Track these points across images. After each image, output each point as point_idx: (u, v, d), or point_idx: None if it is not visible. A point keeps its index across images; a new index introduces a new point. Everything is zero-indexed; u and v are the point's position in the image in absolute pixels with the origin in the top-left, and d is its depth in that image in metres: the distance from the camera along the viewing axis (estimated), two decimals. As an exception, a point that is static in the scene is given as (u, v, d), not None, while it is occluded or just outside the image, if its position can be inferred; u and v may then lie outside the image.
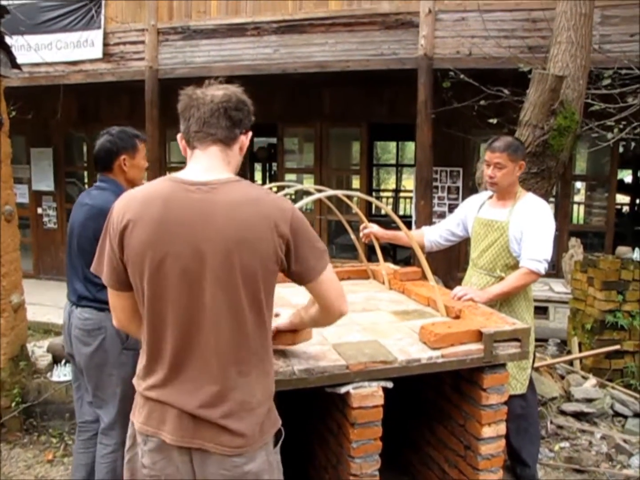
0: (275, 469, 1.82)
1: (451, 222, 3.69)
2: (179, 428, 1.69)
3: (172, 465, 1.74)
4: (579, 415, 4.54)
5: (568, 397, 4.75)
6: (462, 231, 3.65)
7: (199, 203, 1.66)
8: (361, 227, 3.59)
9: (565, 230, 8.02)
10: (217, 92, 1.77)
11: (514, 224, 3.27)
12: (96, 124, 9.87)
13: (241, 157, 1.86)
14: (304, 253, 1.75)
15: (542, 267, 3.18)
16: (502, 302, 3.30)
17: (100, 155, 2.95)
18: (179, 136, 1.83)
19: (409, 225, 7.37)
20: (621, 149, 8.11)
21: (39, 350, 4.83)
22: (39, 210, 10.30)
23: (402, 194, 16.90)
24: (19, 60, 4.60)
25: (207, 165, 1.74)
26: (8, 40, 4.40)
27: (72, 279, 3.01)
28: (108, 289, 1.85)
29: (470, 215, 3.57)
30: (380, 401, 2.30)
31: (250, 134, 1.85)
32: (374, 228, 3.58)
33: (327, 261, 1.82)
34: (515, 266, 3.29)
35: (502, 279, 3.29)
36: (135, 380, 1.84)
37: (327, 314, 1.92)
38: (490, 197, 3.50)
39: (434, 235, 3.70)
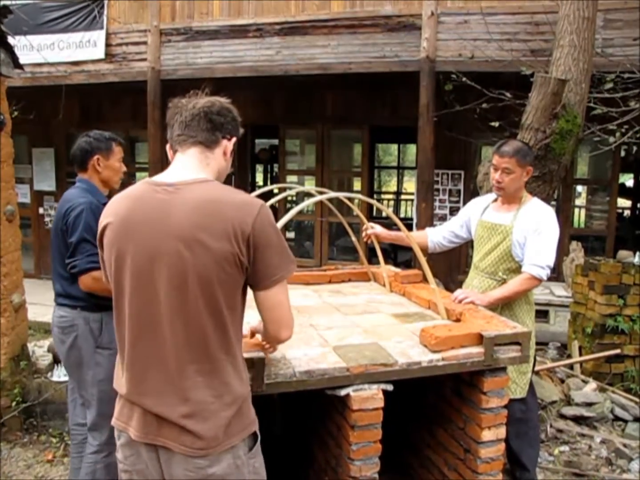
0: (246, 473, 1.79)
1: (455, 224, 3.68)
2: (143, 425, 1.73)
3: (141, 461, 1.77)
4: (578, 419, 4.53)
5: (568, 400, 4.75)
6: (465, 233, 3.65)
7: (160, 203, 1.69)
8: (363, 227, 3.59)
9: (566, 233, 8.02)
10: (201, 99, 1.84)
11: (517, 229, 3.27)
12: (98, 124, 9.85)
13: (226, 162, 1.88)
14: (266, 259, 1.71)
15: (544, 273, 3.18)
16: (504, 305, 3.30)
17: (76, 154, 3.07)
18: (167, 146, 1.89)
19: (410, 228, 7.37)
20: (623, 153, 8.10)
21: (40, 350, 4.83)
22: (41, 210, 10.30)
23: (403, 197, 16.91)
24: (22, 61, 4.60)
25: (182, 166, 1.78)
26: (10, 40, 4.40)
27: (52, 278, 3.12)
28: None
29: (474, 217, 3.56)
30: (381, 404, 2.30)
31: (234, 140, 1.87)
32: (377, 229, 3.58)
33: (282, 277, 1.76)
34: (517, 270, 3.28)
35: (504, 282, 3.29)
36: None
37: (266, 333, 1.90)
38: (495, 200, 3.49)
39: (437, 236, 3.70)
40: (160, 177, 1.79)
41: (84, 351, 2.95)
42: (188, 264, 1.64)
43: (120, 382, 1.82)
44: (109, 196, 3.01)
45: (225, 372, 1.73)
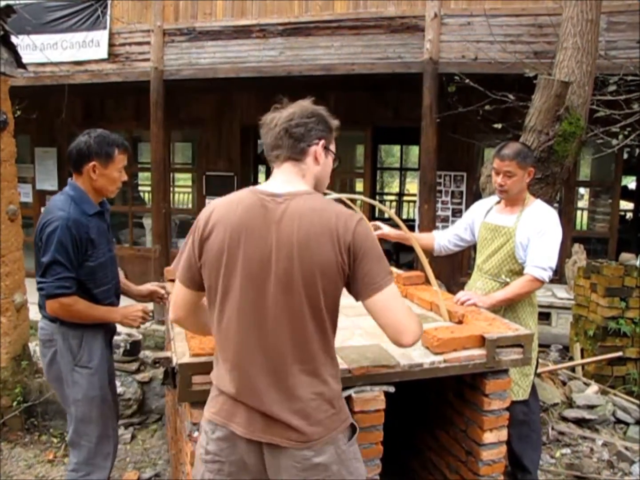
0: (347, 459, 1.89)
1: (459, 228, 3.68)
2: (249, 423, 1.82)
3: (237, 453, 1.85)
4: (580, 422, 4.53)
5: (570, 403, 4.74)
6: (469, 236, 3.65)
7: (270, 213, 1.80)
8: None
9: (568, 236, 8.01)
10: (283, 113, 1.90)
11: (521, 230, 3.27)
12: (101, 124, 9.83)
13: (320, 165, 1.94)
14: (366, 267, 1.80)
15: (547, 275, 3.18)
16: (507, 307, 3.29)
17: (72, 154, 2.79)
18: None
19: (412, 229, 7.36)
20: (626, 156, 8.11)
21: (41, 349, 4.83)
22: (43, 210, 10.29)
23: (405, 198, 16.91)
24: (25, 60, 4.61)
25: (283, 179, 1.89)
26: (14, 39, 4.41)
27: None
28: (177, 284, 1.99)
29: (478, 219, 3.56)
30: (382, 405, 2.30)
31: (323, 142, 1.93)
32: (385, 229, 3.57)
33: (390, 280, 1.83)
34: (520, 272, 3.28)
35: (507, 284, 3.29)
36: (212, 372, 1.96)
37: (391, 340, 1.92)
38: (498, 202, 3.49)
39: (443, 239, 3.70)
40: (265, 188, 1.87)
41: (63, 369, 2.85)
42: (296, 270, 1.75)
43: (222, 381, 1.87)
44: (102, 204, 2.92)
45: (324, 371, 1.85)
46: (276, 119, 1.90)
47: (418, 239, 3.40)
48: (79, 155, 2.76)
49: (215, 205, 1.89)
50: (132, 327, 2.95)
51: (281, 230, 1.77)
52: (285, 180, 1.88)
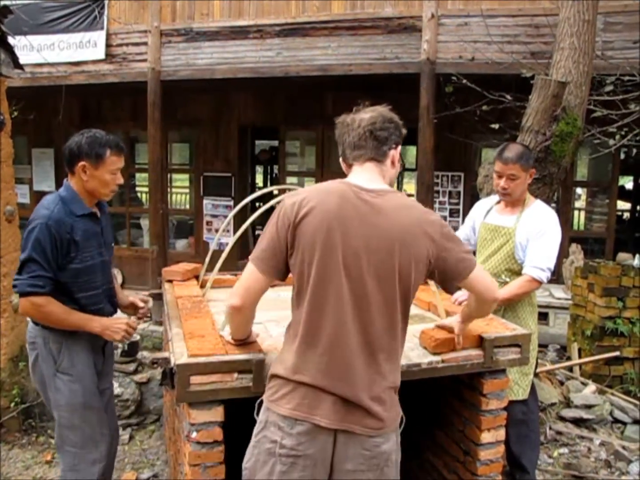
0: (399, 447, 2.03)
1: (466, 231, 3.66)
2: (333, 412, 1.86)
3: (314, 446, 1.88)
4: (578, 422, 4.53)
5: (567, 403, 4.74)
6: (474, 239, 3.65)
7: (367, 205, 1.89)
8: None
9: (565, 236, 8.00)
10: (364, 115, 2.00)
11: (521, 231, 3.27)
12: (98, 125, 9.82)
13: (395, 170, 2.06)
14: (456, 258, 1.97)
15: (545, 276, 3.18)
16: (507, 307, 3.30)
17: (65, 154, 2.73)
18: (340, 159, 2.10)
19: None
20: (622, 156, 8.11)
21: (39, 350, 4.82)
22: (37, 210, 10.28)
23: (403, 198, 16.88)
24: (22, 61, 4.60)
25: (368, 177, 1.97)
26: (11, 40, 4.40)
27: None
28: (251, 269, 1.96)
29: (478, 220, 3.57)
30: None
31: (399, 148, 2.05)
32: None
33: (473, 260, 2.04)
34: (520, 272, 3.29)
35: (507, 284, 3.30)
36: (280, 368, 1.94)
37: (482, 304, 2.17)
38: (498, 202, 3.49)
39: None
40: (354, 182, 1.95)
41: (45, 373, 2.78)
42: (395, 262, 1.87)
43: (303, 370, 1.88)
44: (100, 206, 2.83)
45: (398, 360, 1.99)
46: (358, 120, 1.99)
47: None
48: (70, 155, 2.69)
49: (307, 192, 1.93)
50: (114, 340, 2.79)
51: (380, 223, 1.87)
52: (370, 179, 1.96)
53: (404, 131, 2.07)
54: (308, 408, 1.87)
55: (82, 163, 2.66)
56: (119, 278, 9.76)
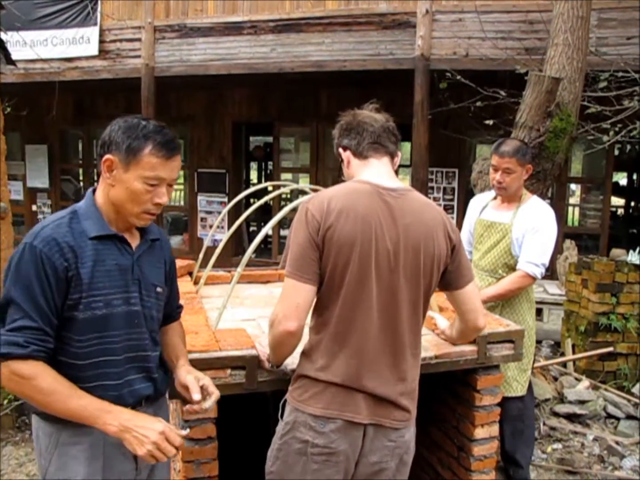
0: (414, 436, 2.08)
1: (466, 235, 3.65)
2: (365, 407, 1.90)
3: (346, 441, 1.91)
4: (571, 417, 4.55)
5: (561, 398, 4.76)
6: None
7: (392, 206, 1.91)
8: None
9: (560, 232, 8.02)
10: (376, 114, 2.05)
11: (517, 227, 3.26)
12: (92, 121, 9.86)
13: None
14: (462, 261, 2.04)
15: (539, 272, 3.18)
16: (504, 303, 3.30)
17: (99, 143, 1.83)
18: (340, 149, 2.09)
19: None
20: (617, 152, 8.14)
21: (32, 347, 4.81)
22: (34, 207, 10.27)
23: (397, 195, 16.94)
24: (14, 57, 4.59)
25: (388, 173, 2.01)
26: (3, 36, 4.38)
27: None
28: (294, 284, 1.86)
29: (474, 216, 3.56)
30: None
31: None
32: None
33: (473, 275, 2.08)
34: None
35: None
36: (310, 368, 1.93)
37: (465, 326, 2.21)
38: (494, 198, 3.49)
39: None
40: (374, 180, 1.95)
41: (37, 465, 1.87)
42: (420, 260, 1.92)
43: (334, 371, 1.89)
44: (144, 229, 1.93)
45: (420, 355, 2.05)
46: (374, 117, 2.03)
47: None
48: (101, 146, 1.80)
49: (332, 195, 1.91)
50: (135, 453, 1.61)
51: (407, 223, 1.90)
52: (390, 175, 2.00)
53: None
54: (340, 406, 1.89)
55: (108, 156, 1.75)
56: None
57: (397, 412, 1.93)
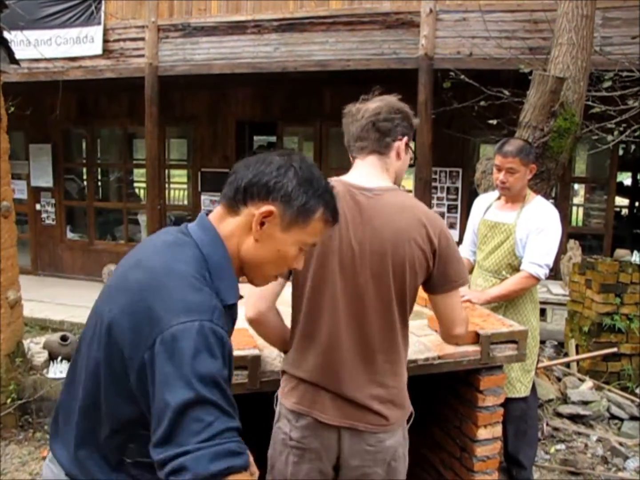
0: (406, 442, 2.02)
1: (470, 236, 3.64)
2: (332, 408, 1.88)
3: (318, 440, 1.91)
4: (575, 418, 4.53)
5: (564, 399, 4.75)
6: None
7: (362, 206, 1.86)
8: None
9: (564, 232, 8.00)
10: (370, 105, 1.96)
11: (521, 227, 3.24)
12: (95, 120, 9.88)
13: (401, 163, 2.00)
14: (447, 268, 1.90)
15: (543, 272, 3.16)
16: (508, 303, 3.29)
17: (238, 175, 1.39)
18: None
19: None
20: (621, 152, 8.10)
21: (36, 346, 4.82)
22: (38, 207, 10.28)
23: (401, 194, 16.92)
24: (18, 56, 4.59)
25: (369, 172, 1.94)
26: (7, 35, 4.39)
27: (59, 433, 1.45)
28: None
29: (478, 217, 3.54)
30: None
31: (406, 139, 1.98)
32: None
33: (461, 283, 1.96)
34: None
35: None
36: (286, 364, 1.99)
37: (440, 330, 2.09)
38: (498, 199, 3.47)
39: (471, 255, 3.64)
40: (351, 180, 1.92)
41: None
42: (388, 264, 1.84)
43: (303, 367, 1.91)
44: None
45: (403, 360, 1.97)
46: (362, 111, 1.95)
47: None
48: (250, 183, 1.35)
49: None
50: None
51: (375, 225, 1.84)
52: (370, 174, 1.93)
53: (415, 121, 2.02)
54: (309, 402, 1.90)
55: (269, 207, 1.33)
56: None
57: (370, 416, 1.88)
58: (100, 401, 1.28)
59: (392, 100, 1.99)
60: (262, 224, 1.33)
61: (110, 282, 1.36)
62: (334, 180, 1.88)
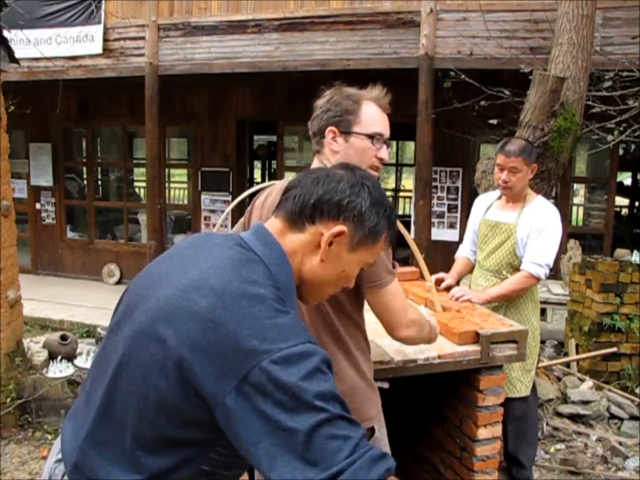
0: None
1: (471, 235, 3.65)
2: None
3: None
4: (575, 417, 4.53)
5: (564, 399, 4.75)
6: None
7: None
8: None
9: (564, 232, 8.00)
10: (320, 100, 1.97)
11: (522, 227, 3.25)
12: (95, 119, 9.88)
13: (340, 153, 1.93)
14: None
15: (543, 272, 3.16)
16: (509, 303, 3.29)
17: (306, 192, 1.31)
18: None
19: (407, 225, 7.36)
20: (621, 152, 8.10)
21: (35, 346, 4.81)
22: (38, 206, 10.28)
23: (401, 194, 16.87)
24: (18, 55, 4.59)
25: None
26: (6, 34, 4.38)
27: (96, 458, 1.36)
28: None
29: (479, 216, 3.54)
30: (376, 402, 2.28)
31: (331, 128, 1.97)
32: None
33: (391, 279, 1.84)
34: None
35: None
36: None
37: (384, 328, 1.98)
38: (499, 198, 3.48)
39: (471, 254, 3.65)
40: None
41: None
42: None
43: None
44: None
45: (346, 360, 1.89)
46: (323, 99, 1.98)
47: (461, 272, 3.52)
48: (327, 202, 1.29)
49: None
50: None
51: None
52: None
53: (357, 95, 1.96)
54: None
55: (342, 227, 1.28)
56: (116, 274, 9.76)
57: None
58: (128, 420, 1.18)
59: (331, 91, 1.99)
60: (330, 243, 1.28)
61: (159, 295, 1.20)
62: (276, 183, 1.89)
